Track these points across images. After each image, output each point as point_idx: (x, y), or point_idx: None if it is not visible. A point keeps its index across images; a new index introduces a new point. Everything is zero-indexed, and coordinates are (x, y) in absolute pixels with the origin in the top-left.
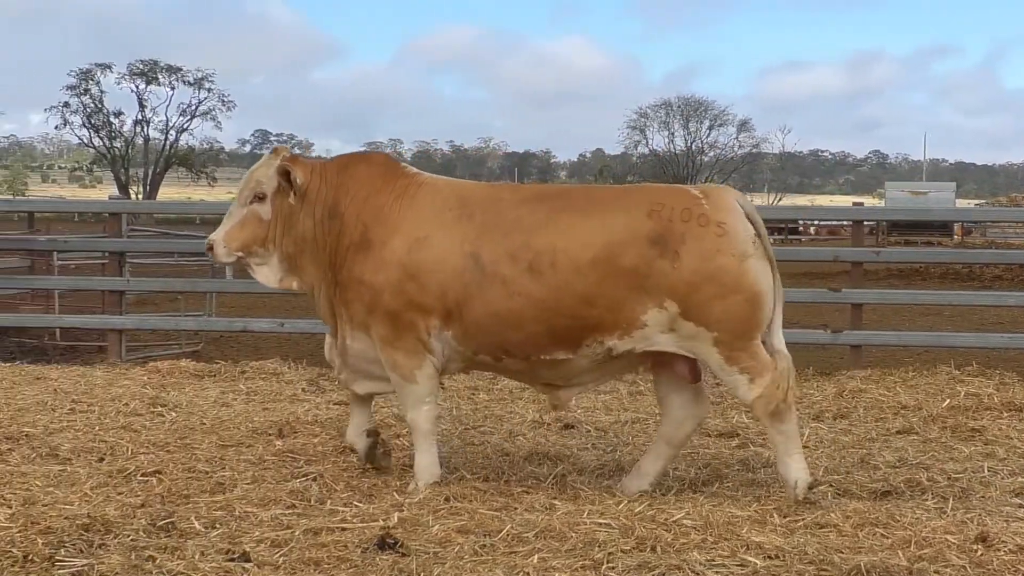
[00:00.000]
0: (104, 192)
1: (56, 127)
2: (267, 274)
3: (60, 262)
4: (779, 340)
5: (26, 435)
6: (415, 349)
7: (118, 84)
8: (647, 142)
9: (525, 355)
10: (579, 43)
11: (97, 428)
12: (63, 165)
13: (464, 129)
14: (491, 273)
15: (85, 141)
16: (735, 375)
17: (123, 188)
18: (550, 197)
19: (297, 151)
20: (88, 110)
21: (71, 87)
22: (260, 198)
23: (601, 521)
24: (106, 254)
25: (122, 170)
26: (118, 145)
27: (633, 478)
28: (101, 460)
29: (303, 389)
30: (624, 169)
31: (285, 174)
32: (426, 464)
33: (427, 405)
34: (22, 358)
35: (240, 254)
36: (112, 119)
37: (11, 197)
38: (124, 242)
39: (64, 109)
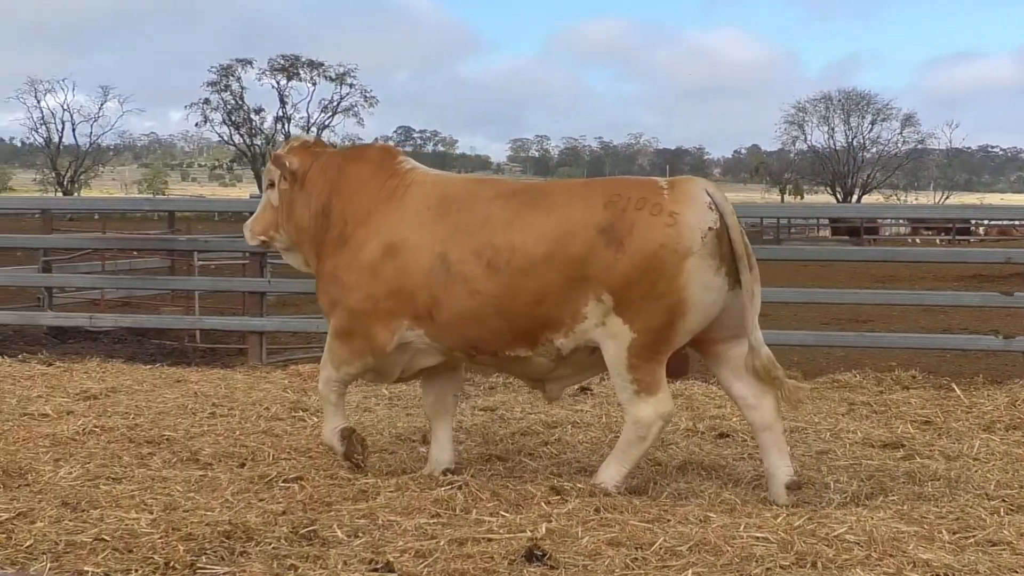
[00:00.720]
0: (244, 191)
1: (196, 124)
2: (293, 259)
3: (200, 262)
4: (756, 339)
5: (167, 439)
6: (358, 351)
7: (259, 80)
8: (805, 138)
9: (492, 351)
10: (734, 34)
11: (238, 433)
12: (203, 163)
13: (613, 125)
14: (455, 272)
15: (225, 138)
16: (627, 382)
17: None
18: (523, 192)
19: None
20: (228, 107)
21: (211, 83)
22: (271, 185)
23: (758, 535)
24: (247, 254)
25: (262, 168)
26: (258, 142)
27: (772, 484)
28: (242, 465)
29: None
30: (782, 166)
31: (275, 161)
32: (331, 426)
33: (336, 385)
34: (162, 360)
35: (262, 238)
36: (252, 116)
37: (151, 196)
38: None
39: (204, 106)
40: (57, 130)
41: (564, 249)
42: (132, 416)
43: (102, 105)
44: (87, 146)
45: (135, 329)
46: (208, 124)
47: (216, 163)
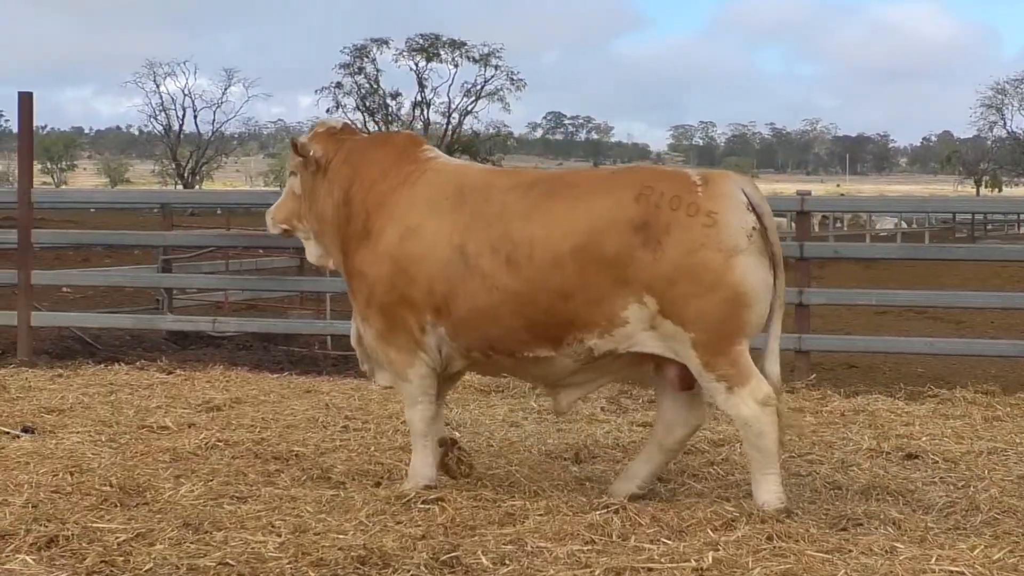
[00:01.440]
0: None
1: (327, 110)
2: (310, 251)
3: None
4: (773, 349)
5: (296, 455)
6: (408, 346)
7: (395, 62)
8: (1005, 123)
9: (509, 352)
10: (923, 8)
11: (373, 449)
12: None
13: (787, 110)
14: (473, 266)
15: (359, 126)
16: (712, 382)
17: None
18: (542, 182)
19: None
20: (362, 91)
21: (344, 66)
22: (293, 172)
23: (952, 568)
24: None
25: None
26: (395, 130)
27: (621, 480)
28: (377, 484)
29: (602, 408)
30: (977, 155)
31: (296, 148)
32: (419, 466)
33: (421, 404)
34: (291, 368)
35: (284, 226)
36: (389, 101)
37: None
38: None
39: (336, 90)
40: (177, 117)
41: (595, 245)
42: (258, 429)
43: (226, 90)
44: (209, 135)
45: (261, 334)
46: (340, 110)
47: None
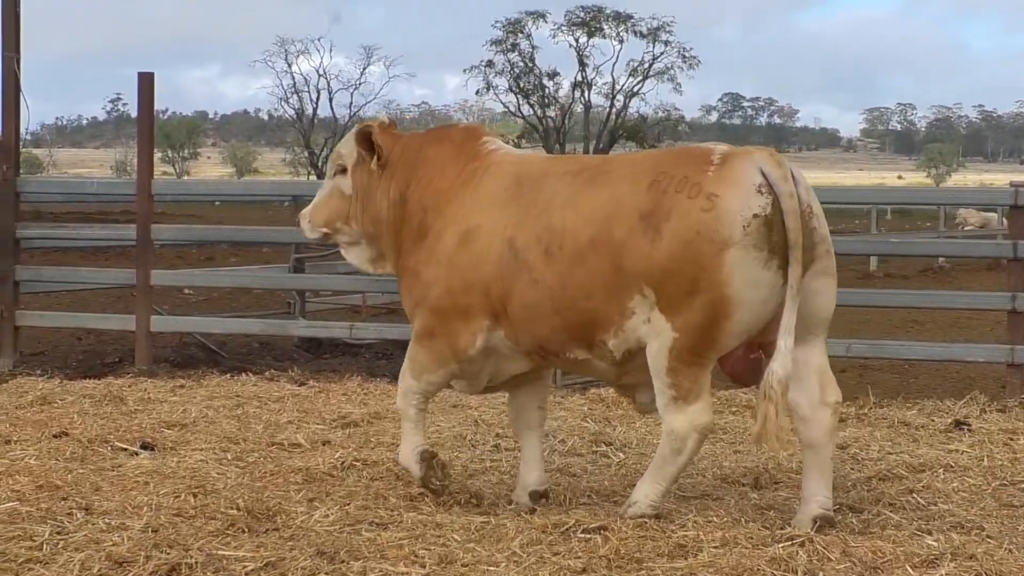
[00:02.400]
0: None
1: (477, 92)
2: (358, 255)
3: None
4: (786, 344)
5: None
6: (441, 356)
7: (553, 37)
8: None
9: (556, 352)
10: None
11: None
12: None
13: (998, 90)
14: (522, 260)
15: (512, 109)
16: (663, 386)
17: None
18: (589, 168)
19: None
20: (516, 70)
21: (496, 42)
22: (342, 171)
23: None
24: None
25: (556, 145)
26: (552, 114)
27: (803, 508)
28: (532, 511)
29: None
30: None
31: (365, 138)
32: (409, 446)
33: (417, 401)
34: None
35: (325, 230)
36: (545, 81)
37: None
38: None
39: (487, 69)
40: (311, 100)
41: (608, 234)
42: (398, 447)
43: (364, 69)
44: (346, 119)
45: (403, 342)
46: (491, 92)
47: (501, 139)
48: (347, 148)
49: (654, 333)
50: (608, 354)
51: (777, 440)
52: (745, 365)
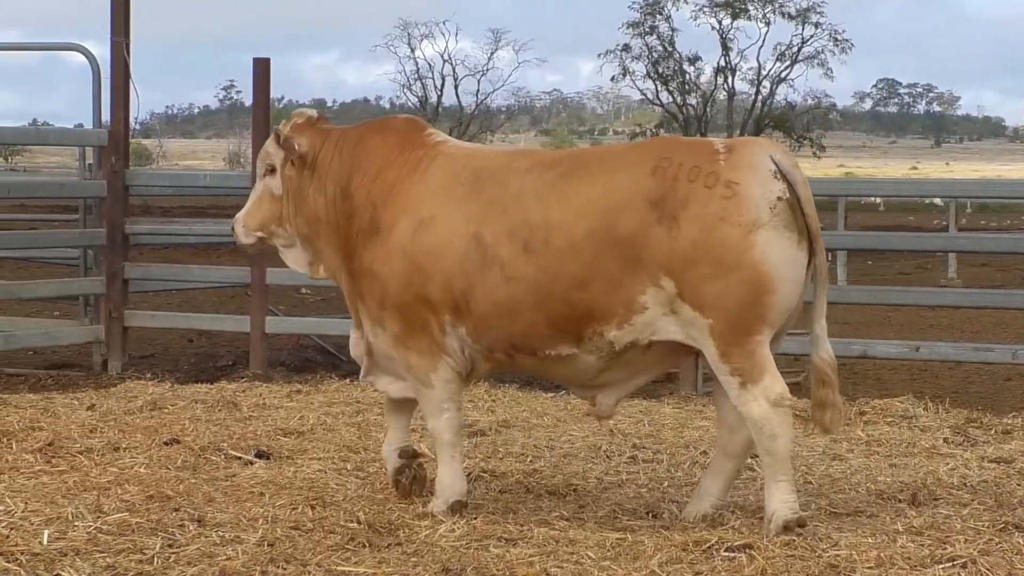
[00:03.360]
0: None
1: (612, 78)
2: (295, 258)
3: None
4: (821, 329)
5: (574, 490)
6: (429, 350)
7: (694, 19)
8: None
9: (531, 350)
10: None
11: (666, 484)
12: (620, 129)
13: None
14: (491, 257)
15: (650, 97)
16: (726, 375)
17: None
18: (562, 161)
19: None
20: (655, 55)
21: (633, 25)
22: (271, 171)
23: None
24: None
25: (698, 135)
26: (693, 102)
27: (694, 501)
28: (670, 527)
29: (945, 440)
30: None
31: (280, 143)
32: (449, 479)
33: (447, 412)
34: (569, 387)
35: (260, 234)
36: (686, 67)
37: None
38: None
39: (623, 54)
40: (435, 87)
41: (611, 225)
42: (529, 459)
43: (492, 54)
44: (472, 107)
45: None
46: (628, 78)
47: (637, 128)
48: (274, 147)
49: (687, 323)
50: (605, 346)
51: (829, 424)
52: None
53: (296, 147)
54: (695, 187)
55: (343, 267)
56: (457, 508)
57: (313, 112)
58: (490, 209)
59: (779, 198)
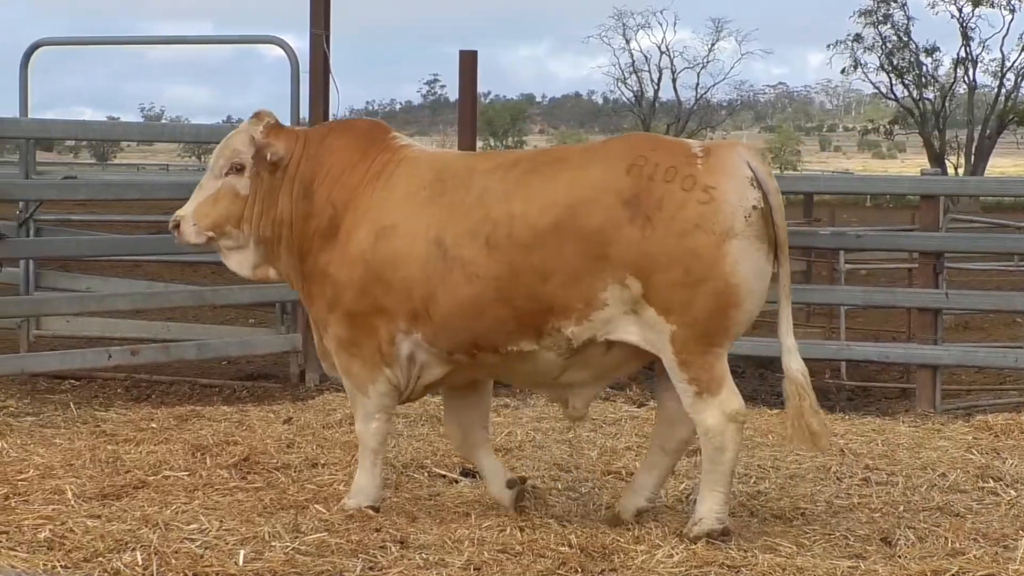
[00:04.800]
0: (909, 165)
1: (843, 71)
2: (240, 261)
3: (848, 265)
4: (792, 341)
5: (802, 514)
6: (372, 360)
7: (932, 7)
8: None
9: (494, 347)
10: None
11: (902, 508)
12: (850, 125)
13: None
14: (452, 257)
15: (883, 90)
16: (682, 382)
17: (937, 159)
18: (525, 159)
19: None
20: (889, 46)
21: (865, 13)
22: (238, 170)
23: None
24: (913, 255)
25: (935, 132)
26: (930, 96)
27: (628, 495)
28: (903, 556)
29: None
30: None
31: (259, 148)
32: (364, 484)
33: (376, 422)
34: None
35: (211, 234)
36: (923, 58)
37: (778, 172)
38: (941, 237)
39: (854, 45)
40: (652, 81)
41: (578, 218)
42: (753, 480)
43: (713, 46)
44: (691, 102)
45: (757, 357)
46: (859, 70)
47: (870, 125)
48: (244, 145)
49: (646, 326)
50: (563, 343)
51: (812, 439)
52: None
53: (272, 152)
54: (671, 188)
55: (295, 268)
56: (372, 510)
57: (271, 118)
58: (451, 212)
59: (754, 207)
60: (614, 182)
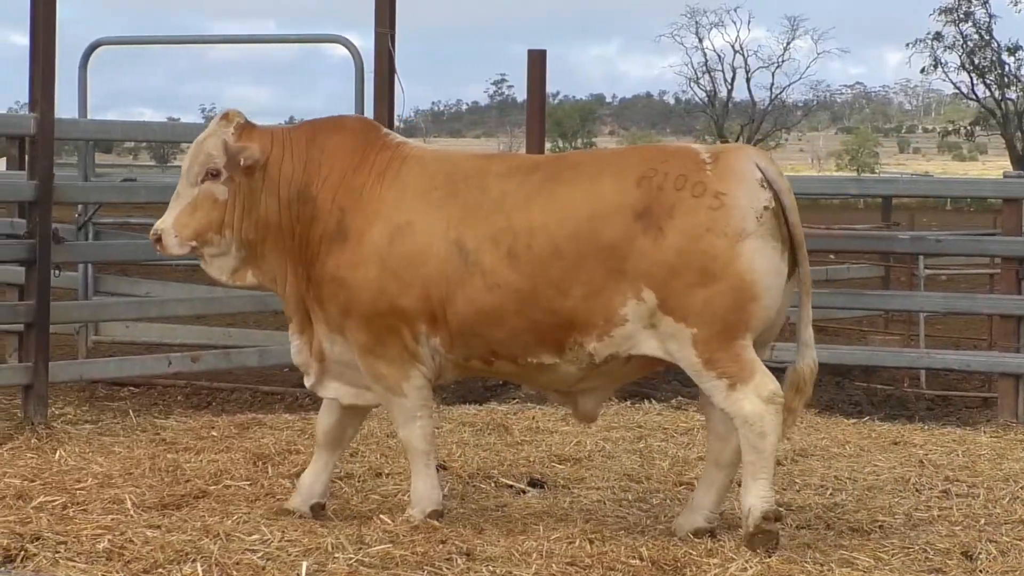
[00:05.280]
0: (991, 166)
1: (922, 70)
2: (220, 267)
3: (927, 271)
4: (809, 336)
5: (880, 527)
6: (400, 358)
7: (1015, 5)
8: None
9: (512, 357)
10: None
11: (983, 521)
12: (930, 126)
13: None
14: (473, 263)
15: (964, 91)
16: (712, 380)
17: (1020, 161)
18: (544, 165)
19: None
20: (970, 44)
21: (946, 11)
22: (214, 175)
23: None
24: (995, 260)
25: (1018, 134)
26: (1012, 96)
27: (685, 515)
28: (984, 571)
29: None
30: None
31: (229, 150)
32: (422, 489)
33: (420, 420)
34: (872, 412)
35: (194, 243)
36: (1005, 57)
37: (856, 175)
38: None
39: (934, 43)
40: (725, 80)
41: (593, 232)
42: (829, 491)
43: (788, 44)
44: (766, 103)
45: (832, 366)
46: (940, 70)
47: (950, 126)
48: (217, 150)
49: (665, 336)
50: (585, 358)
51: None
52: None
53: (246, 156)
54: (682, 196)
55: (294, 273)
56: (434, 517)
57: (241, 118)
58: (468, 214)
59: (765, 207)
60: (626, 197)
